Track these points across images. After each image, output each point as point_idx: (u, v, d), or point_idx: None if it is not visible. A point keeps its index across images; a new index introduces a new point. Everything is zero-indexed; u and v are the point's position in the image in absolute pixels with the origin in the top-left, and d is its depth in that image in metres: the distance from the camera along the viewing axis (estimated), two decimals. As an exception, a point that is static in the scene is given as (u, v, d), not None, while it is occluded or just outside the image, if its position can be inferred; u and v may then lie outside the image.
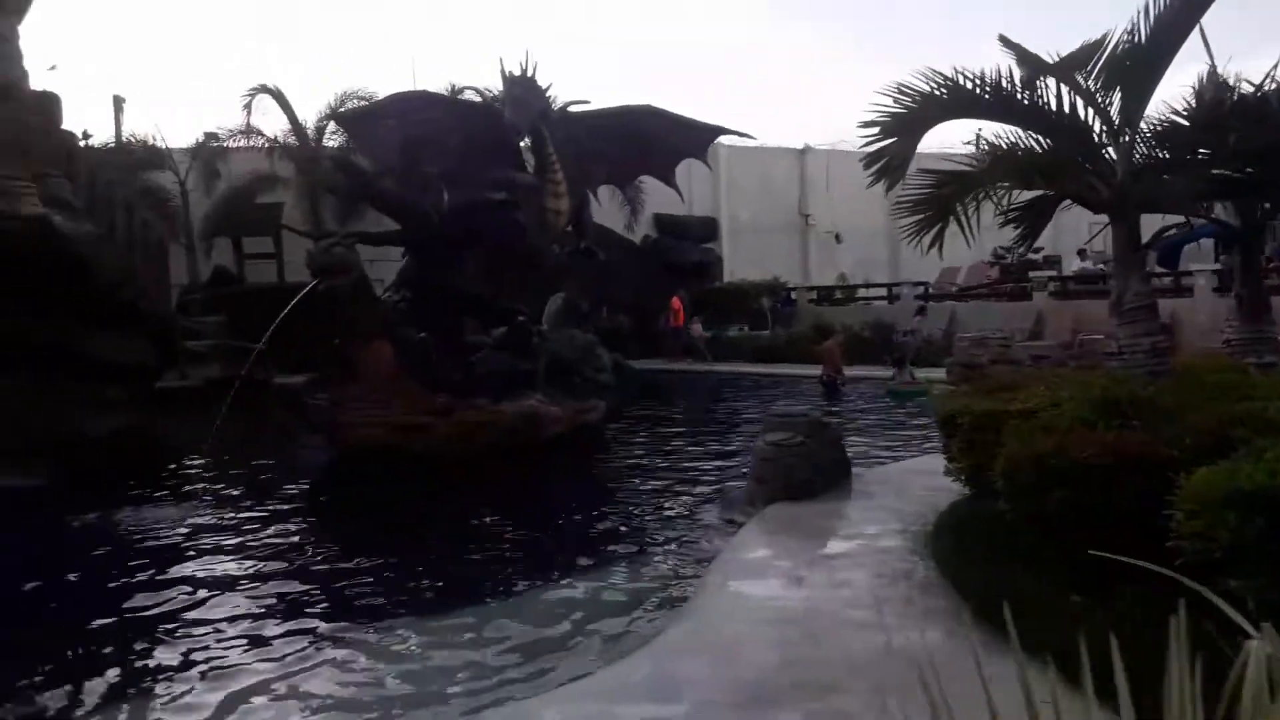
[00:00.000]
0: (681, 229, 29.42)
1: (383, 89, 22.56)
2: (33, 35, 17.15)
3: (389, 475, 10.10)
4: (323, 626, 5.53)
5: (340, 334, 10.76)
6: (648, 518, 8.18)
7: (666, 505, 8.58)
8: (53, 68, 18.14)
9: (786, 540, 6.41)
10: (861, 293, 29.93)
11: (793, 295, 29.74)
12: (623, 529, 7.84)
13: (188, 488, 10.31)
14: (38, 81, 16.03)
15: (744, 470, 9.55)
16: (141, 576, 6.70)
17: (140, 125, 27.98)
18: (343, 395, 10.54)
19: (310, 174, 23.67)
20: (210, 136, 25.78)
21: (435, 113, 15.03)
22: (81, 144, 15.37)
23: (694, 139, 17.19)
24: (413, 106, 14.90)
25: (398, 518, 8.61)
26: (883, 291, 28.44)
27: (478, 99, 18.03)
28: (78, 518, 8.82)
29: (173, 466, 11.76)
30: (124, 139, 25.11)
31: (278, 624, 5.60)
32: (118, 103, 29.28)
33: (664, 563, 6.60)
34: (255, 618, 5.74)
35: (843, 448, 8.22)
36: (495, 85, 16.14)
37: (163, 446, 14.07)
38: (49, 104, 13.48)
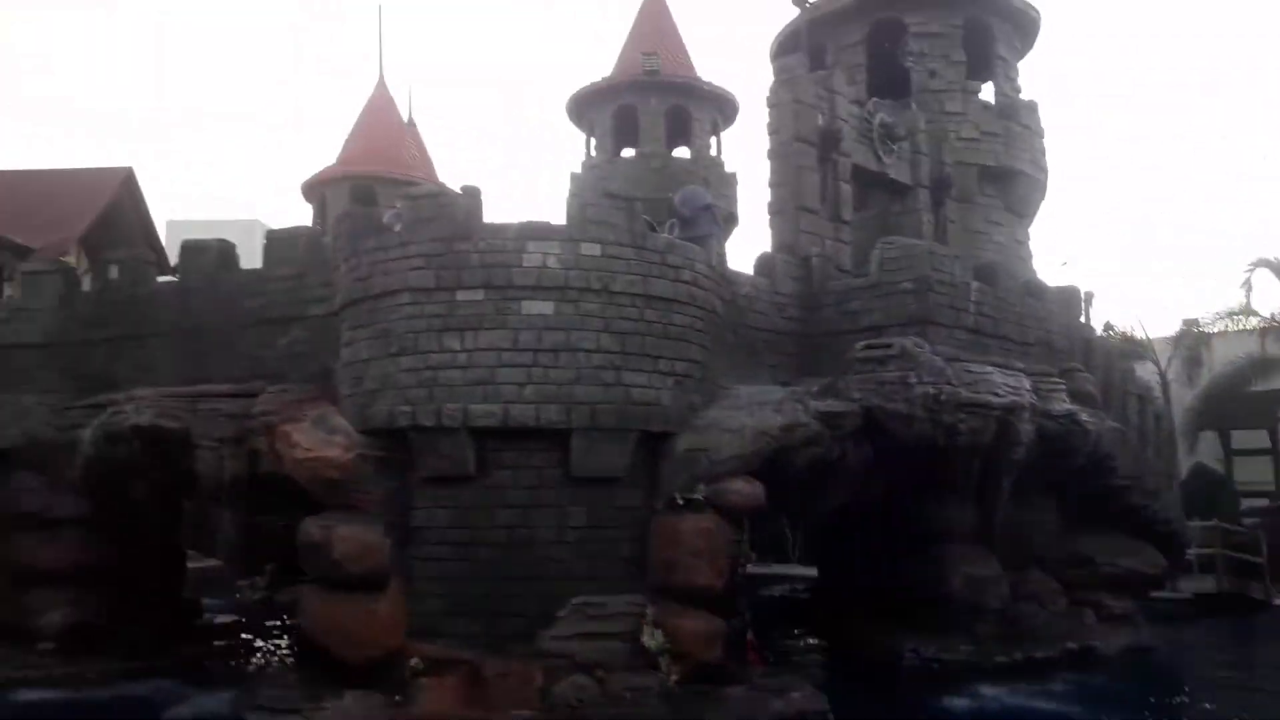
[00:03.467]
0: None
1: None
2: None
3: None
4: None
5: None
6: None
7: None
8: (1064, 264, 18.61)
9: None
10: None
11: None
12: None
13: None
14: (1050, 276, 16.61)
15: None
16: None
17: (1117, 316, 27.70)
18: None
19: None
20: (1191, 323, 24.20)
21: None
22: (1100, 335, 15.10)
23: None
24: None
25: None
26: None
27: None
28: None
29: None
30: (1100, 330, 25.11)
31: None
32: (1088, 297, 29.91)
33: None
34: None
35: None
36: None
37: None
38: (1072, 298, 13.48)
